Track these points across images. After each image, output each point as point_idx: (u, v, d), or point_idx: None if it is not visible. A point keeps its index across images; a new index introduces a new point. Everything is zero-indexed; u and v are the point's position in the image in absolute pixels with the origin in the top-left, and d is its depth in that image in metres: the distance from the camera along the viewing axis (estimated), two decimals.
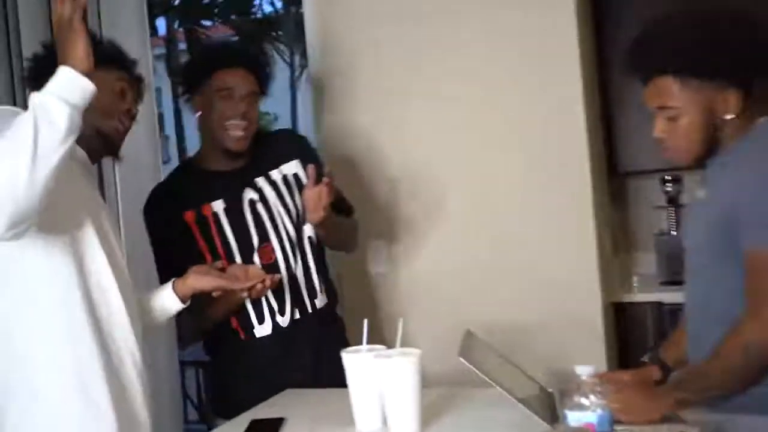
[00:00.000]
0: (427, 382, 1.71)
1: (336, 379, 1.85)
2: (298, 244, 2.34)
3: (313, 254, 2.37)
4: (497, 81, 2.99)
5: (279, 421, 1.82)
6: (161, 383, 3.22)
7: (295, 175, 2.38)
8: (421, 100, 3.05)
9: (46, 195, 1.52)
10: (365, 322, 1.81)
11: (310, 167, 2.20)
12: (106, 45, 2.04)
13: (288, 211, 2.34)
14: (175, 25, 14.18)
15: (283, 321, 2.29)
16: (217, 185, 2.32)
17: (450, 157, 3.03)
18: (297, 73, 15.68)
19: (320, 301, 2.35)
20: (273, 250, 2.30)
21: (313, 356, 2.29)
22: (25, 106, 1.59)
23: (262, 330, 2.29)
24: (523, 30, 2.96)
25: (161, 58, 13.40)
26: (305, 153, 2.44)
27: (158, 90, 13.77)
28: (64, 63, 1.58)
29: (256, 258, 2.28)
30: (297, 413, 1.89)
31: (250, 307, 2.28)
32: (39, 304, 1.70)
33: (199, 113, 2.32)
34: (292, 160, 2.39)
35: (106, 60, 1.90)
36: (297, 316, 2.31)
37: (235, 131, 2.25)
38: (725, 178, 1.70)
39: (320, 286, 2.37)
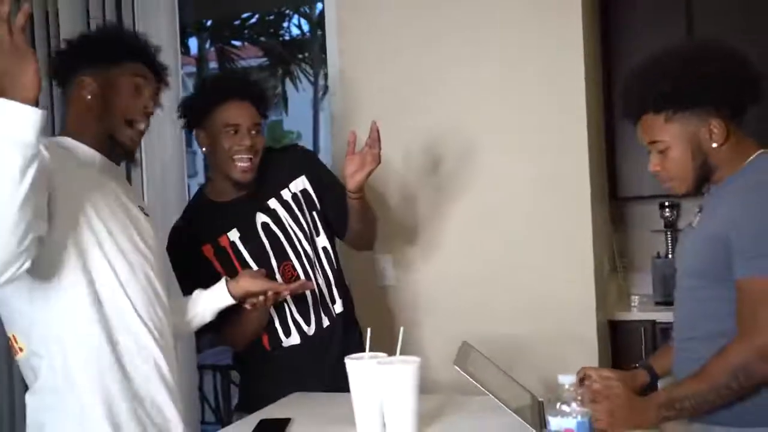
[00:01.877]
0: (425, 389, 1.73)
1: None
2: (315, 257, 2.36)
3: (329, 264, 2.38)
4: (503, 109, 3.01)
5: (286, 421, 1.84)
6: (179, 385, 3.27)
7: (304, 191, 2.39)
8: (432, 122, 3.07)
9: (26, 235, 1.43)
10: (368, 330, 1.84)
11: (351, 132, 2.22)
12: (121, 34, 2.00)
13: (301, 226, 2.35)
14: (207, 45, 14.29)
15: (309, 330, 2.32)
16: (229, 216, 2.32)
17: (457, 179, 3.05)
18: (320, 93, 15.76)
19: (339, 307, 2.37)
20: (293, 267, 2.31)
21: (340, 358, 2.25)
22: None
23: (291, 341, 2.31)
24: (530, 63, 2.98)
25: (192, 76, 13.52)
26: (312, 167, 2.43)
27: None
28: (4, 93, 1.38)
29: (278, 277, 2.29)
30: (304, 414, 1.91)
31: (277, 323, 2.30)
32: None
33: (204, 148, 2.32)
34: (299, 176, 2.39)
35: (120, 52, 1.87)
36: (323, 323, 2.33)
37: (243, 163, 2.24)
38: (719, 208, 1.71)
39: (338, 291, 2.38)
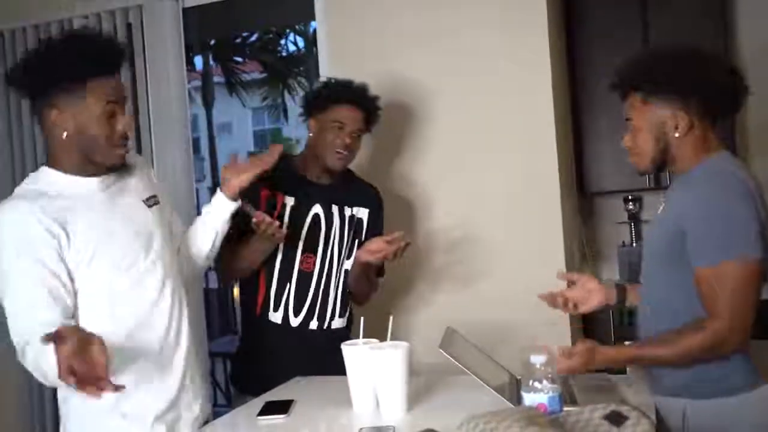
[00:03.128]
0: (414, 371, 1.75)
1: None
2: (336, 270, 2.36)
3: (343, 285, 2.39)
4: (480, 113, 3.02)
5: (289, 403, 1.85)
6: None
7: (360, 220, 2.43)
8: (414, 125, 3.08)
9: None
10: (361, 320, 1.86)
11: (399, 234, 2.26)
12: (83, 58, 1.65)
13: (341, 241, 2.37)
14: (210, 62, 14.25)
15: (294, 321, 2.32)
16: (299, 187, 2.35)
17: (437, 178, 3.06)
18: None
19: (337, 323, 2.37)
20: (314, 263, 2.33)
21: (318, 364, 2.17)
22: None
23: (274, 317, 2.32)
24: (500, 69, 2.97)
25: (198, 89, 13.50)
26: (377, 210, 2.49)
27: (194, 117, 13.80)
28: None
29: (297, 262, 2.31)
30: (305, 396, 1.92)
31: (273, 291, 2.30)
32: None
33: (311, 134, 2.35)
34: (366, 207, 2.45)
35: (84, 71, 1.65)
36: (311, 326, 2.33)
37: (339, 156, 2.30)
38: (678, 200, 1.73)
39: (341, 311, 2.39)
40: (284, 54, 15.24)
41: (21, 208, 1.65)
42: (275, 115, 16.81)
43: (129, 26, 3.52)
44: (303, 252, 2.32)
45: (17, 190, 1.73)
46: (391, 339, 1.76)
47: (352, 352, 1.77)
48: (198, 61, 12.98)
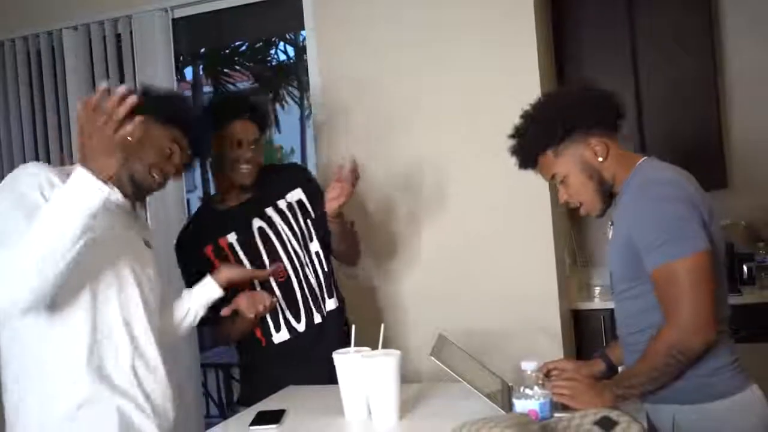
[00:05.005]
0: (406, 378, 1.75)
1: None
2: (307, 260, 2.37)
3: (320, 266, 2.39)
4: (465, 115, 3.03)
5: (281, 412, 1.84)
6: (185, 382, 3.26)
7: (299, 201, 2.42)
8: (405, 134, 3.09)
9: (60, 285, 1.49)
10: (353, 327, 1.86)
11: (347, 165, 2.21)
12: (174, 98, 1.92)
13: (294, 233, 2.38)
14: (200, 72, 14.23)
15: (300, 326, 2.34)
16: (229, 220, 2.37)
17: (429, 187, 3.06)
18: (306, 113, 15.74)
19: (330, 305, 2.38)
20: (284, 268, 2.35)
21: (329, 354, 2.23)
22: None
23: (280, 337, 2.34)
24: (487, 68, 3.00)
25: None
26: (306, 182, 2.48)
27: None
28: (87, 163, 1.49)
29: (271, 280, 2.33)
30: (297, 405, 1.91)
31: (268, 318, 2.33)
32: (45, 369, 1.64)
33: (210, 158, 2.35)
34: (295, 188, 2.43)
35: (167, 116, 1.85)
36: (315, 320, 2.35)
37: (246, 171, 2.32)
38: (621, 215, 1.76)
39: (329, 292, 2.39)
40: (274, 63, 15.24)
41: (44, 172, 1.63)
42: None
43: (118, 37, 3.52)
44: (271, 266, 2.33)
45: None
46: (383, 347, 1.76)
47: (344, 360, 1.77)
48: (188, 71, 12.96)
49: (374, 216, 3.12)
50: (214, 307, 2.14)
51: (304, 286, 2.36)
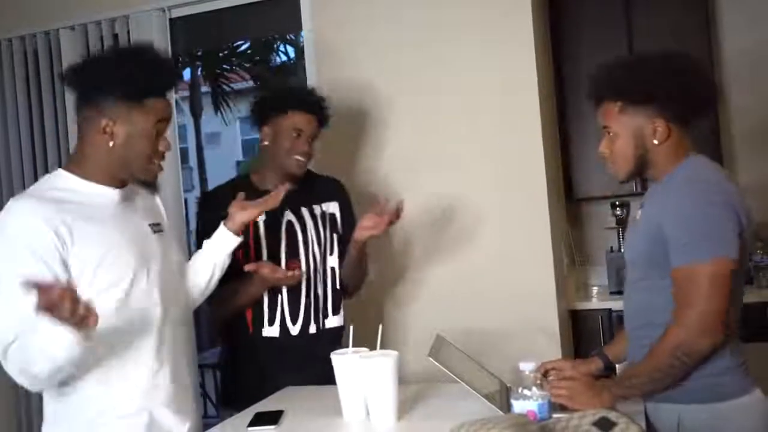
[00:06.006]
0: (404, 379, 1.74)
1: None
2: (321, 269, 2.36)
3: (332, 283, 2.38)
4: (463, 115, 3.03)
5: (279, 413, 1.83)
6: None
7: (332, 215, 2.43)
8: (402, 135, 3.09)
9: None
10: (350, 328, 1.85)
11: (393, 203, 2.24)
12: (147, 76, 1.71)
13: (319, 241, 2.37)
14: (198, 72, 14.22)
15: (294, 329, 2.31)
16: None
17: (427, 187, 3.05)
18: None
19: (332, 322, 2.36)
20: (299, 267, 2.30)
21: (318, 369, 2.10)
22: None
23: (270, 331, 2.30)
24: (485, 69, 3.00)
25: (185, 99, 13.45)
26: (344, 199, 2.48)
27: (182, 127, 13.73)
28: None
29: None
30: (295, 406, 1.90)
31: (265, 306, 2.29)
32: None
33: (265, 143, 2.34)
34: (333, 200, 2.44)
35: (146, 90, 1.70)
36: (311, 330, 2.32)
37: (299, 162, 2.32)
38: (656, 204, 1.74)
39: (335, 309, 2.38)
40: (274, 64, 15.22)
41: (30, 206, 1.62)
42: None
43: (116, 37, 3.51)
44: (287, 261, 2.32)
45: (30, 189, 1.72)
46: (381, 348, 1.76)
47: (342, 361, 1.77)
48: (186, 72, 12.94)
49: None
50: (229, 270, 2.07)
51: (311, 293, 2.34)
